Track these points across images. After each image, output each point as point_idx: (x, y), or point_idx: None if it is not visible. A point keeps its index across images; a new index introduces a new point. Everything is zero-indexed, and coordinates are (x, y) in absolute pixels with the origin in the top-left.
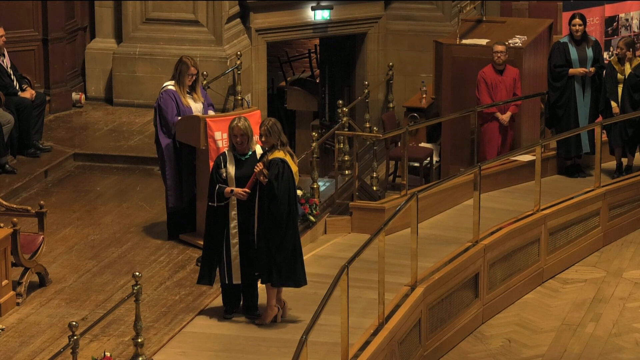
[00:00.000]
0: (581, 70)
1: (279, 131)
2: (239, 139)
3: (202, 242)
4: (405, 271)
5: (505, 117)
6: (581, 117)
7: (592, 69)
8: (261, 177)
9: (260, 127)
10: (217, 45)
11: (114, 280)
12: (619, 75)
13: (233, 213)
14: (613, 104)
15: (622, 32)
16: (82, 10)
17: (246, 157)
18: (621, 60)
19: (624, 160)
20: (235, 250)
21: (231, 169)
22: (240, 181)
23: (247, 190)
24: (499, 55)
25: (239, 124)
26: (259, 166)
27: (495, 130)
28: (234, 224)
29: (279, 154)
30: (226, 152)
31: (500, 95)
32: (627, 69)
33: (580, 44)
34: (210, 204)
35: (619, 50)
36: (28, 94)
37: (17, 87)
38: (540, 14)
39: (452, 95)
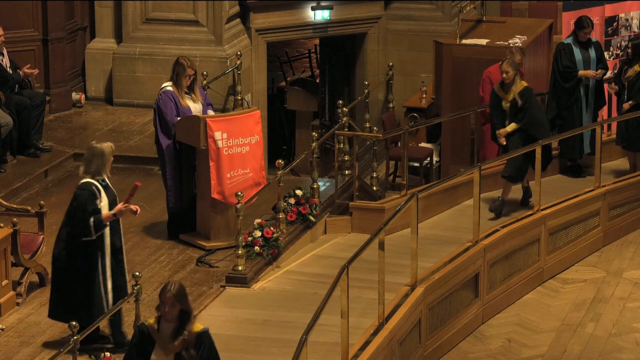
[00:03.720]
0: (592, 73)
1: (187, 295)
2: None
3: (202, 243)
4: (405, 271)
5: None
6: (585, 120)
7: (600, 72)
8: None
9: (164, 294)
10: (217, 45)
11: None
12: (504, 103)
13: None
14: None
15: (622, 32)
16: (82, 10)
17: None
18: (504, 86)
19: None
20: (111, 298)
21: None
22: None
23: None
24: (504, 76)
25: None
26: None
27: None
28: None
29: (199, 325)
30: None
31: None
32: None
33: (583, 45)
34: (86, 238)
35: (505, 75)
36: (24, 71)
37: (14, 72)
38: (540, 14)
39: (452, 95)
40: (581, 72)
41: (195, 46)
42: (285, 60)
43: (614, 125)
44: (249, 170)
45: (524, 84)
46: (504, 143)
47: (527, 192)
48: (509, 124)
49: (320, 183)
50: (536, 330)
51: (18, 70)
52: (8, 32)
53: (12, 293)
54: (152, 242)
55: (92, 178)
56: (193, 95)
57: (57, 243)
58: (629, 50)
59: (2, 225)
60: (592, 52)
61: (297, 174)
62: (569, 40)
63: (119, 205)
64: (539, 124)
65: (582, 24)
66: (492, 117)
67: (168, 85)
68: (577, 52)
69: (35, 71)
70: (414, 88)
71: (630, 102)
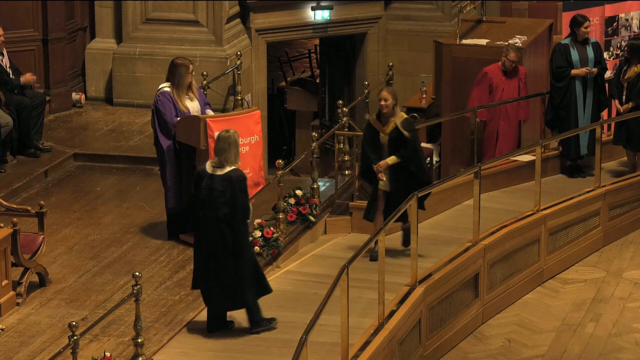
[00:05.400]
0: (584, 70)
1: None
2: None
3: None
4: (405, 271)
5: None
6: (581, 119)
7: (594, 70)
8: None
9: None
10: (217, 45)
11: (114, 280)
12: (382, 136)
13: None
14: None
15: (622, 32)
16: (82, 10)
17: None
18: (382, 117)
19: None
20: None
21: None
22: None
23: None
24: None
25: None
26: None
27: (497, 132)
28: None
29: None
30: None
31: (501, 98)
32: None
33: (581, 45)
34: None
35: (383, 102)
36: (26, 78)
37: (14, 78)
38: (540, 14)
39: (452, 95)
40: (574, 72)
41: (195, 46)
42: (285, 60)
43: (613, 125)
44: (248, 170)
45: (404, 115)
46: (384, 178)
47: (406, 233)
48: (387, 157)
49: (320, 183)
50: (536, 330)
51: (20, 77)
52: (8, 32)
53: (12, 293)
54: (152, 242)
55: (232, 165)
56: (190, 94)
57: (229, 232)
58: (626, 49)
59: (2, 225)
60: (590, 53)
61: (297, 174)
62: (566, 41)
63: None
64: (420, 158)
65: (579, 21)
66: (366, 152)
67: (165, 87)
68: (574, 53)
69: (34, 78)
70: (414, 88)
71: (630, 103)
